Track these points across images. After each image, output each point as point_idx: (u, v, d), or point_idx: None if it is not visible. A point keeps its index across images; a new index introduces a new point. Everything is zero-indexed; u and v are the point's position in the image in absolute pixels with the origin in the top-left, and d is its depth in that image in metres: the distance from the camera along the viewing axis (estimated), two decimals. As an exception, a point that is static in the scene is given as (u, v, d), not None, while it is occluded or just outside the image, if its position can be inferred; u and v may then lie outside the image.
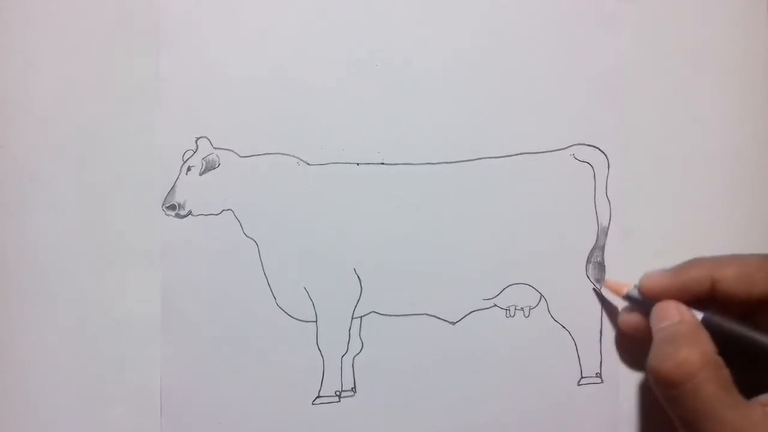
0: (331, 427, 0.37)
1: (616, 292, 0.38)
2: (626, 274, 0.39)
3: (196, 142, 0.37)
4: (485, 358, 0.38)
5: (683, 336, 0.33)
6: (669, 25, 0.40)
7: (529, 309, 0.39)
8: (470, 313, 0.38)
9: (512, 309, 0.39)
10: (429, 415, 0.38)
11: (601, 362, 0.39)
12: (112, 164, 0.37)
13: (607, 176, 0.39)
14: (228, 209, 0.37)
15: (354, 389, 0.38)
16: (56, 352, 0.36)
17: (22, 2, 0.36)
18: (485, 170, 0.38)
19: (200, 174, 0.37)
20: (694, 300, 0.35)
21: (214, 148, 0.37)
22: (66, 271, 0.36)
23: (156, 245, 0.37)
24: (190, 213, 0.37)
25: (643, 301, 0.36)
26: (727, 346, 0.33)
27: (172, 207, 0.37)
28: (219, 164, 0.37)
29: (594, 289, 0.39)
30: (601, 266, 0.39)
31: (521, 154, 0.39)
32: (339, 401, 0.38)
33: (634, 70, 0.40)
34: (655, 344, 0.34)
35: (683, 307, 0.34)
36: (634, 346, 0.39)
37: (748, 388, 0.32)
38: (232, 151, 0.37)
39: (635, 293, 0.36)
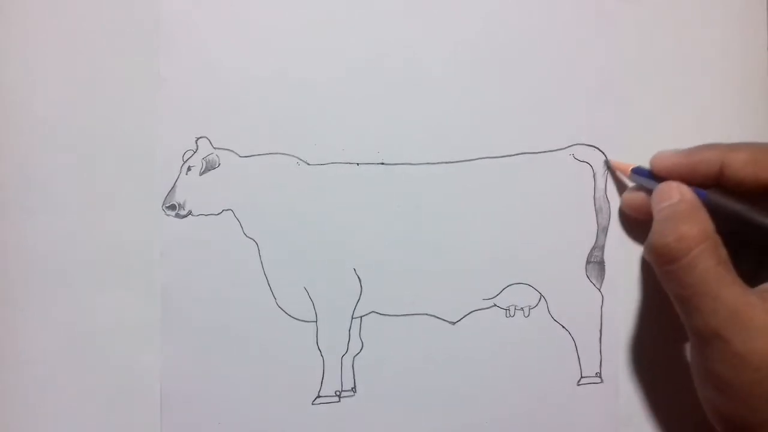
0: (331, 427, 0.37)
1: (623, 170, 0.38)
2: (626, 273, 0.39)
3: (196, 142, 0.37)
4: (485, 358, 0.38)
5: (683, 213, 0.33)
6: (669, 25, 0.40)
7: (529, 309, 0.39)
8: (470, 313, 0.38)
9: (512, 309, 0.39)
10: (429, 415, 0.38)
11: (601, 362, 0.39)
12: (112, 164, 0.37)
13: (607, 176, 0.39)
14: (228, 209, 0.37)
15: (354, 389, 0.38)
16: (56, 352, 0.36)
17: (22, 2, 0.36)
18: (485, 170, 0.38)
19: (200, 174, 0.37)
20: (701, 183, 0.34)
21: (214, 148, 0.37)
22: (66, 271, 0.36)
23: (156, 245, 0.37)
24: (190, 213, 0.37)
25: (649, 180, 0.36)
26: (729, 232, 0.32)
27: (172, 207, 0.37)
28: (219, 164, 0.37)
29: (594, 286, 0.39)
30: (600, 266, 0.39)
31: (521, 154, 0.39)
32: (339, 401, 0.38)
33: (634, 70, 0.40)
34: (655, 223, 0.34)
35: (684, 188, 0.34)
36: (634, 345, 0.39)
37: (748, 281, 0.31)
38: (232, 151, 0.37)
39: (643, 170, 0.37)
